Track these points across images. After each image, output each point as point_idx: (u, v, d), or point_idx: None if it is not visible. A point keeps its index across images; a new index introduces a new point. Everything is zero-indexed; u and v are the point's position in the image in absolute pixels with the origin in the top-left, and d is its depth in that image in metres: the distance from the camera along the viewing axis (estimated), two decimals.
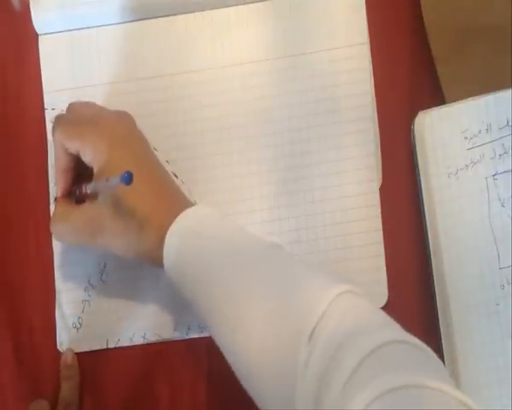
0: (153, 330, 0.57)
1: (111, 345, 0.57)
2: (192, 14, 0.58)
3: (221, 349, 0.47)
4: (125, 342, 0.57)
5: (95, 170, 0.51)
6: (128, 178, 0.45)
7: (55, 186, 0.55)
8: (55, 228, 0.54)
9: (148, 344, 0.57)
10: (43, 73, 0.59)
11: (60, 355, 0.57)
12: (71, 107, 0.55)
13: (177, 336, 0.57)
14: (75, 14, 0.58)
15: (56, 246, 0.58)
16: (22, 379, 0.58)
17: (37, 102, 0.59)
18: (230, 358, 0.46)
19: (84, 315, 0.57)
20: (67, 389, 0.56)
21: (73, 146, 0.52)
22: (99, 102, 0.58)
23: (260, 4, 0.58)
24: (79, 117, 0.53)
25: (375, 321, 0.42)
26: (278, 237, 0.57)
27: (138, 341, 0.57)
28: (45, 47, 0.59)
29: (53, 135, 0.53)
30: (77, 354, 0.57)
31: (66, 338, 0.57)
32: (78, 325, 0.57)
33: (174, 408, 0.57)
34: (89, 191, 0.52)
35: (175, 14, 0.58)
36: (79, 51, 0.59)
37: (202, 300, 0.48)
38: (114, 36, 0.59)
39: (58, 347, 0.57)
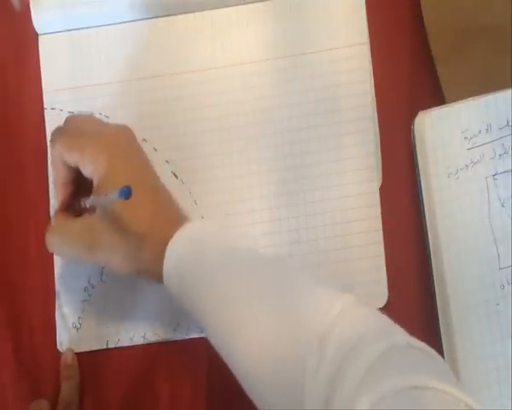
0: (153, 330, 0.57)
1: (111, 345, 0.57)
2: (192, 14, 0.58)
3: (223, 358, 0.46)
4: (125, 342, 0.57)
5: (94, 182, 0.51)
6: (127, 193, 0.45)
7: (55, 199, 0.55)
8: (50, 240, 0.53)
9: (148, 344, 0.57)
10: (43, 72, 0.59)
11: (60, 355, 0.57)
12: (69, 119, 0.55)
13: (177, 336, 0.57)
14: (75, 14, 0.58)
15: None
16: (22, 379, 0.58)
17: (36, 102, 0.59)
18: (233, 366, 0.46)
19: (84, 315, 0.57)
20: (67, 389, 0.56)
21: (73, 158, 0.51)
22: (99, 101, 0.58)
23: (260, 4, 0.58)
24: (79, 129, 0.53)
25: (382, 327, 0.42)
26: (278, 237, 0.57)
27: (138, 341, 0.57)
28: (45, 47, 0.59)
29: (52, 147, 0.53)
30: (77, 354, 0.57)
31: (66, 338, 0.57)
32: (78, 325, 0.57)
33: (174, 408, 0.57)
34: (88, 205, 0.52)
35: (175, 14, 0.58)
36: (79, 51, 0.59)
37: (203, 310, 0.47)
38: (114, 36, 0.59)
39: (58, 347, 0.57)
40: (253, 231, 0.57)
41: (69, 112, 0.58)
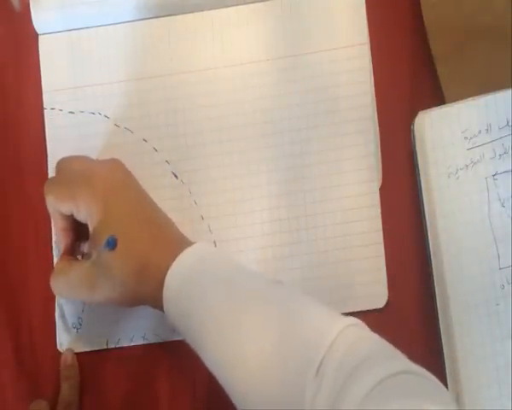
0: (153, 330, 0.57)
1: (111, 345, 0.57)
2: (192, 15, 0.58)
3: (223, 386, 0.46)
4: (125, 342, 0.57)
5: (90, 229, 0.51)
6: (112, 244, 0.48)
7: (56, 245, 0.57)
8: (53, 283, 0.54)
9: (148, 344, 0.57)
10: (43, 72, 0.59)
11: (60, 355, 0.57)
12: (60, 165, 0.55)
13: (177, 336, 0.56)
14: (75, 14, 0.58)
15: (56, 247, 0.57)
16: (22, 379, 0.58)
17: (36, 102, 0.59)
18: (230, 391, 0.46)
19: (84, 315, 0.57)
20: (67, 389, 0.56)
21: (67, 208, 0.52)
22: (99, 101, 0.58)
23: (260, 4, 0.58)
24: (70, 176, 0.53)
25: (382, 352, 0.42)
26: (278, 237, 0.57)
27: (138, 341, 0.57)
28: (45, 47, 0.59)
29: (46, 198, 0.53)
30: (77, 354, 0.57)
31: (66, 338, 0.57)
32: (78, 325, 0.57)
33: (174, 408, 0.57)
34: (85, 250, 0.53)
35: (175, 14, 0.58)
36: (79, 51, 0.59)
37: (205, 338, 0.47)
38: (114, 36, 0.58)
39: (58, 347, 0.57)
40: (252, 232, 0.57)
41: (69, 112, 0.58)
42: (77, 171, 0.53)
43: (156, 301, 0.49)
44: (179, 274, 0.48)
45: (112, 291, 0.50)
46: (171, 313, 0.48)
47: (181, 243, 0.50)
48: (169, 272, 0.48)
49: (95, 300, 0.52)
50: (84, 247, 0.54)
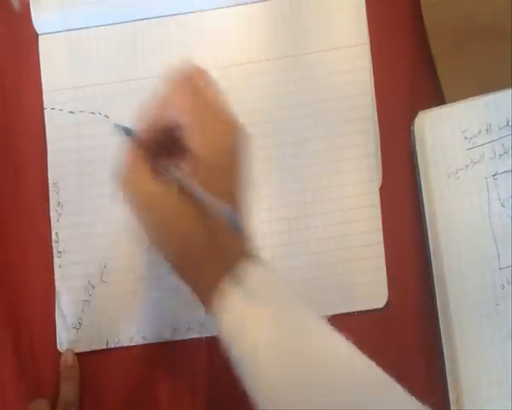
0: (153, 330, 0.57)
1: (111, 345, 0.57)
2: (191, 14, 0.58)
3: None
4: (125, 342, 0.57)
5: (194, 157, 0.43)
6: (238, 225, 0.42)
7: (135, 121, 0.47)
8: (125, 188, 0.44)
9: (148, 344, 0.57)
10: (43, 72, 0.59)
11: (60, 355, 0.57)
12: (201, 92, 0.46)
13: (177, 336, 0.57)
14: (75, 14, 0.58)
15: (56, 246, 0.58)
16: (22, 379, 0.58)
17: (36, 102, 0.59)
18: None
19: (84, 315, 0.57)
20: (67, 389, 0.56)
21: (192, 108, 0.43)
22: (99, 101, 0.58)
23: (260, 4, 0.58)
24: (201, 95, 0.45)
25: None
26: (278, 237, 0.57)
27: (138, 341, 0.57)
28: (45, 47, 0.59)
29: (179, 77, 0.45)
30: (77, 354, 0.57)
31: (66, 338, 0.57)
32: (78, 326, 0.57)
33: (174, 408, 0.57)
34: (176, 173, 0.43)
35: (175, 15, 0.58)
36: (79, 51, 0.59)
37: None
38: (114, 36, 0.59)
39: (58, 347, 0.57)
40: (252, 232, 0.57)
41: (69, 112, 0.58)
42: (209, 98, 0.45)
43: (200, 293, 0.44)
44: (233, 296, 0.42)
45: (173, 235, 0.43)
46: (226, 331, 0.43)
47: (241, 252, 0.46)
48: (223, 289, 0.43)
49: (151, 228, 0.44)
50: (176, 172, 0.43)
